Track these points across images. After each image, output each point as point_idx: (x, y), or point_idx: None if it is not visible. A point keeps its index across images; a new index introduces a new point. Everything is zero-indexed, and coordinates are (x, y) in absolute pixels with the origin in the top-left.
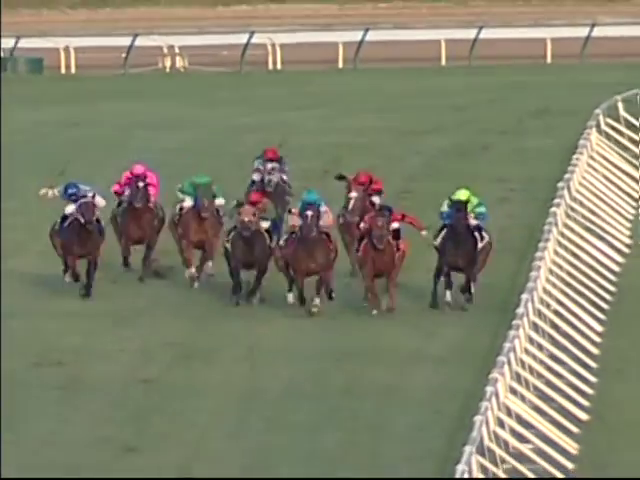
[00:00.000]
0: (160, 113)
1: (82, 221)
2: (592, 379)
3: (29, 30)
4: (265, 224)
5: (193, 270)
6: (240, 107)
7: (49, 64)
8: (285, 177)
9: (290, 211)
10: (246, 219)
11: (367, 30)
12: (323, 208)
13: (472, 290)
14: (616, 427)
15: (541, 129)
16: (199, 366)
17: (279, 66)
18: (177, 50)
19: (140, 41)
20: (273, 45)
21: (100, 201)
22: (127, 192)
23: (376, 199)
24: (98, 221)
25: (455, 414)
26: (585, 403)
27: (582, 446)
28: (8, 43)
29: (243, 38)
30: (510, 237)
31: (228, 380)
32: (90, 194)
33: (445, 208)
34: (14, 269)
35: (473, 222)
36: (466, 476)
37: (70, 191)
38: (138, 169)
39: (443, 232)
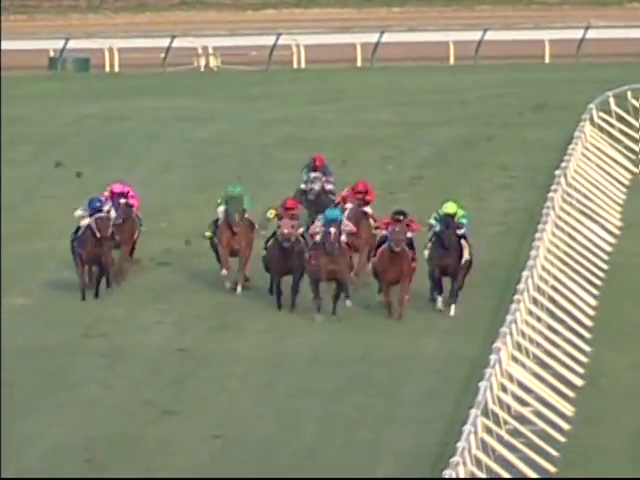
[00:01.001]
0: (195, 107)
1: (98, 235)
2: (586, 348)
3: (77, 33)
4: (300, 230)
5: (225, 273)
6: (267, 102)
7: (95, 63)
8: (329, 187)
9: (313, 221)
10: (286, 231)
11: (383, 32)
12: (344, 223)
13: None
14: (608, 392)
15: (540, 122)
16: (230, 337)
17: (303, 65)
18: (211, 50)
19: (177, 42)
20: (297, 46)
21: (113, 214)
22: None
23: (367, 209)
24: (112, 234)
25: (462, 380)
26: (580, 370)
27: (577, 409)
28: (58, 44)
29: (270, 40)
30: (512, 220)
31: (256, 349)
32: (106, 208)
33: (433, 221)
34: (65, 247)
35: (459, 231)
36: (472, 438)
37: (94, 205)
38: (117, 188)
39: (430, 243)
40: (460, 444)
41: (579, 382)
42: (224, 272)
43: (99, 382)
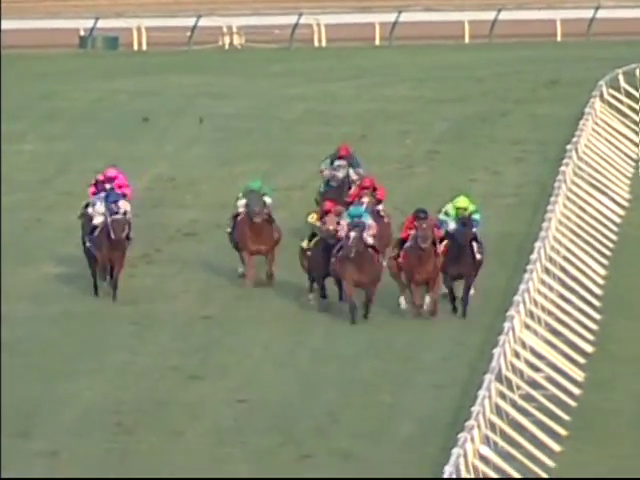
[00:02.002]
0: (220, 84)
1: (113, 237)
2: (596, 316)
3: (106, 12)
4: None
5: (249, 283)
6: (289, 79)
7: (124, 42)
8: (355, 176)
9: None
10: (331, 227)
11: (400, 12)
12: (368, 221)
13: (469, 301)
14: (618, 359)
15: (552, 98)
16: (254, 305)
17: (324, 43)
18: (235, 29)
19: (203, 22)
20: (318, 25)
21: (126, 205)
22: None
23: (380, 207)
24: (127, 234)
25: (477, 347)
26: (590, 337)
27: (588, 374)
28: (88, 23)
29: (292, 19)
30: (525, 192)
31: (279, 317)
32: (122, 210)
33: (443, 216)
34: None
35: (473, 230)
36: (486, 402)
37: (111, 198)
38: (110, 172)
39: (445, 242)
40: (475, 408)
41: (589, 348)
42: (241, 270)
43: (128, 348)
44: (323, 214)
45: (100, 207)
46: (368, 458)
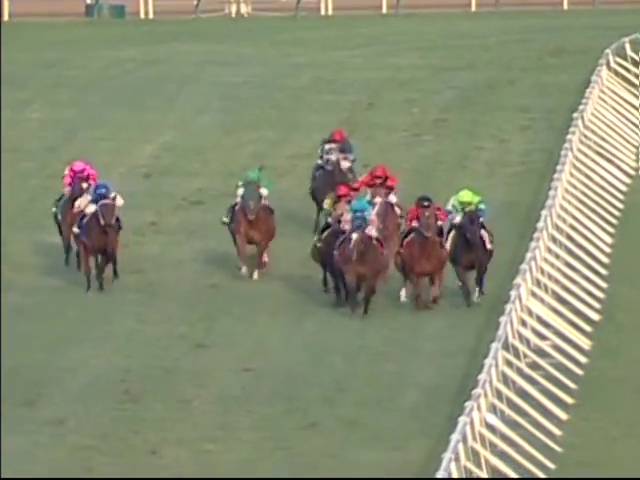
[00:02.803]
0: (227, 52)
1: (102, 222)
2: (603, 284)
3: None
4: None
5: (244, 271)
6: (296, 47)
7: (130, 10)
8: (346, 164)
9: (318, 200)
10: (339, 212)
11: None
12: (371, 215)
13: (484, 288)
14: (624, 326)
15: (559, 66)
16: (261, 274)
17: (330, 12)
18: None
19: None
20: None
21: (119, 201)
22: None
23: (392, 198)
24: (117, 219)
25: (483, 315)
26: (597, 305)
27: (594, 342)
28: None
29: None
30: (531, 160)
31: (286, 287)
32: (112, 195)
33: (451, 207)
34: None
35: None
36: (493, 370)
37: (99, 191)
38: (78, 166)
39: (452, 234)
40: (482, 376)
41: (596, 317)
42: (243, 269)
43: (134, 317)
44: (337, 199)
45: (90, 208)
46: (374, 426)
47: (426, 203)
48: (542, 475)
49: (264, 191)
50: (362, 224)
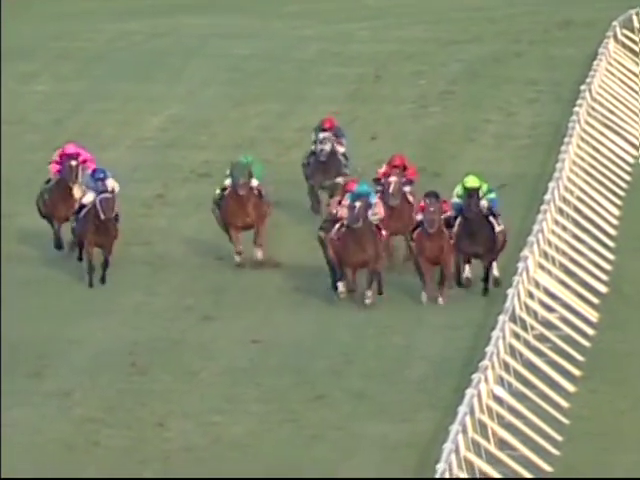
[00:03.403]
0: (234, 25)
1: (101, 216)
2: (610, 257)
3: None
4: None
5: (239, 260)
6: (303, 20)
7: None
8: (341, 149)
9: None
10: (333, 210)
11: None
12: (374, 199)
13: (490, 278)
14: (631, 299)
15: (566, 39)
16: (268, 247)
17: None
18: None
19: None
20: None
21: (114, 185)
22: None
23: (407, 189)
24: (116, 215)
25: (491, 287)
26: (604, 277)
27: (601, 315)
28: None
29: None
30: (539, 133)
31: (294, 259)
32: (110, 187)
33: (457, 199)
34: (110, 159)
35: (485, 206)
36: (500, 343)
37: (97, 175)
38: (70, 148)
39: (457, 222)
40: (489, 349)
41: (603, 289)
42: (237, 254)
43: (142, 289)
44: (344, 193)
45: (87, 197)
46: (382, 398)
47: (432, 198)
48: (550, 447)
49: (254, 182)
50: (364, 198)
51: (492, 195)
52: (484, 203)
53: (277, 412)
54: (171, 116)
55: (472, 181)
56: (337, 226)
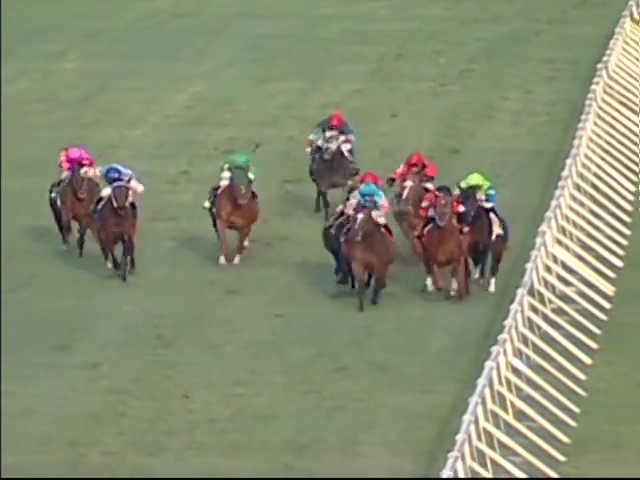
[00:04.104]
0: (257, 4)
1: (115, 205)
2: (626, 231)
3: None
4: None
5: (223, 259)
6: None
7: None
8: (348, 146)
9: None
10: (339, 208)
11: None
12: (379, 199)
13: (487, 272)
14: None
15: (583, 18)
16: (290, 221)
17: None
18: None
19: None
20: None
21: (137, 186)
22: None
23: (429, 185)
24: (133, 205)
25: (509, 261)
26: (620, 252)
27: (618, 288)
28: None
29: None
30: (556, 110)
31: (315, 233)
32: (126, 177)
33: (458, 192)
34: (136, 136)
35: (487, 205)
36: (519, 316)
37: (111, 175)
38: (74, 152)
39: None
40: (507, 322)
41: (619, 263)
42: (222, 258)
43: (167, 263)
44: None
45: (105, 190)
46: (402, 370)
47: (444, 192)
48: (567, 419)
49: (251, 175)
50: (369, 206)
51: (491, 192)
52: (486, 204)
53: (299, 384)
54: (196, 94)
55: (475, 179)
56: (346, 228)
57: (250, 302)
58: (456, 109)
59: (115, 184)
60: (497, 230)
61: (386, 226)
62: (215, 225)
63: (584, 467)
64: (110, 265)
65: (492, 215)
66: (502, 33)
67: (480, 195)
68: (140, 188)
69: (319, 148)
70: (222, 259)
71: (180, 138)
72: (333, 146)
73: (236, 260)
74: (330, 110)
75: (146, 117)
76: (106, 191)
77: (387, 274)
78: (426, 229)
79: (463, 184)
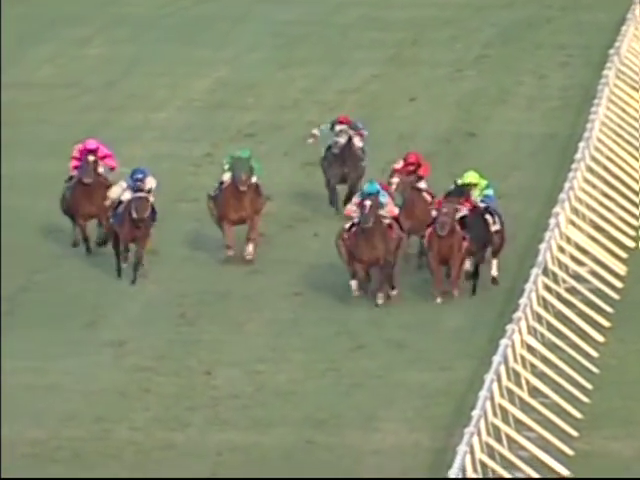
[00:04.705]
0: None
1: (134, 216)
2: (637, 212)
3: None
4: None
5: (231, 253)
6: None
7: None
8: (359, 142)
9: (330, 184)
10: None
11: None
12: (384, 199)
13: (479, 275)
14: None
15: (595, 4)
16: (310, 203)
17: None
18: None
19: None
20: None
21: (152, 183)
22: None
23: (422, 185)
24: (152, 209)
25: (524, 242)
26: (632, 233)
27: (629, 268)
28: None
29: None
30: (569, 95)
31: (335, 214)
32: (147, 186)
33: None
34: (161, 119)
35: (481, 205)
36: (533, 295)
37: (137, 176)
38: (91, 144)
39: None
40: (522, 301)
41: (631, 244)
42: (228, 254)
43: (190, 243)
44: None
45: (126, 194)
46: (420, 348)
47: (445, 201)
48: (580, 395)
49: (254, 178)
50: (373, 197)
51: (489, 191)
52: (481, 204)
53: (319, 361)
54: (219, 79)
55: (471, 177)
56: (347, 225)
57: (271, 281)
58: (472, 94)
59: (136, 195)
60: (494, 227)
61: (390, 224)
62: (218, 221)
63: (597, 442)
64: (124, 266)
65: (487, 216)
66: (516, 19)
67: (474, 195)
68: (153, 184)
69: (330, 147)
70: (230, 253)
71: (203, 122)
72: (342, 140)
73: (250, 249)
74: (349, 95)
75: (170, 101)
76: (126, 195)
77: (392, 271)
78: (428, 230)
79: (459, 181)
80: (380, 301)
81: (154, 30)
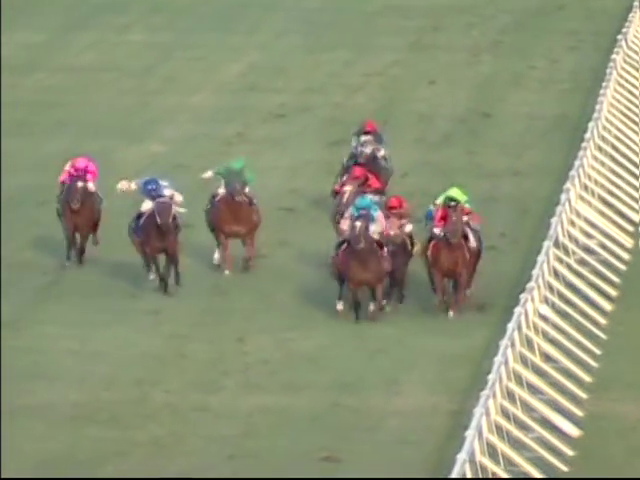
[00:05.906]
0: None
1: (159, 222)
2: None
3: None
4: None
5: (227, 272)
6: None
7: None
8: (382, 151)
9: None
10: (392, 232)
11: None
12: (376, 213)
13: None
14: None
15: None
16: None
17: None
18: None
19: None
20: None
21: (178, 197)
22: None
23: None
24: (174, 217)
25: (537, 216)
26: (638, 207)
27: (636, 240)
28: None
29: None
30: (579, 78)
31: None
32: (168, 193)
33: (432, 207)
34: (195, 102)
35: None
36: (545, 267)
37: (149, 187)
38: (80, 162)
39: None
40: (535, 271)
41: (638, 218)
42: (216, 257)
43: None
44: (387, 211)
45: (145, 205)
46: (439, 316)
47: (453, 204)
48: (590, 360)
49: (250, 181)
50: (365, 216)
51: (467, 206)
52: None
53: (344, 329)
54: (250, 63)
55: (454, 192)
56: (339, 242)
57: (298, 253)
58: (488, 77)
59: (159, 200)
60: (473, 244)
61: (378, 242)
62: (213, 232)
63: (605, 404)
64: (152, 277)
65: (467, 229)
66: (529, 7)
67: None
68: (179, 198)
69: (353, 155)
70: (226, 272)
71: (236, 103)
72: (368, 150)
73: (249, 256)
74: (372, 78)
75: (205, 85)
76: (146, 205)
77: (382, 289)
78: (432, 243)
79: (440, 199)
80: (372, 315)
81: (190, 18)
